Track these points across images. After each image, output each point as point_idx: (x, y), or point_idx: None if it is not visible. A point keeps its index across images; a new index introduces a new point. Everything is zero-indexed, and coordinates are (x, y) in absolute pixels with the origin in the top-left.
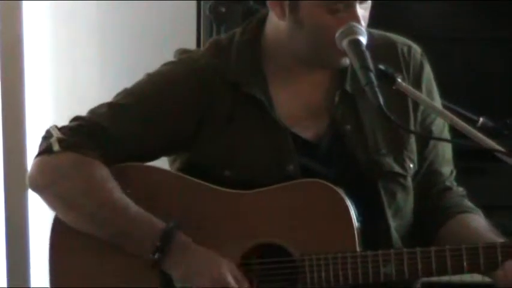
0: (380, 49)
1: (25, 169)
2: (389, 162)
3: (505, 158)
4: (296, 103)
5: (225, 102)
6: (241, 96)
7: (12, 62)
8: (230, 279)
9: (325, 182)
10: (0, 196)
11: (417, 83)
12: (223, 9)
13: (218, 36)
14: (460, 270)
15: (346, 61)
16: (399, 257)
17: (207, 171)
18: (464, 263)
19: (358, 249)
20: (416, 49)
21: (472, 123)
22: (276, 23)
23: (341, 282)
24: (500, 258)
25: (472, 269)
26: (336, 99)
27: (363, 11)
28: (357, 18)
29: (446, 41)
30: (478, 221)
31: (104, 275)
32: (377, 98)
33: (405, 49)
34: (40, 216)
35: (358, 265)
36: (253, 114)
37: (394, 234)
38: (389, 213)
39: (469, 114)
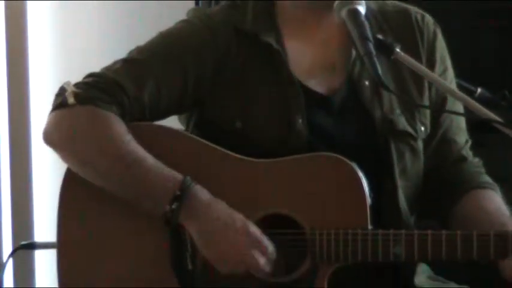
0: (394, 17)
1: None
2: (402, 122)
3: (503, 129)
4: (310, 57)
5: (239, 54)
6: (255, 47)
7: (17, 60)
8: (255, 230)
9: (341, 157)
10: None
11: (431, 50)
12: None
13: None
14: (469, 257)
15: None
16: (409, 238)
17: (220, 125)
18: (474, 250)
19: (369, 226)
20: (429, 18)
21: (470, 93)
22: None
23: (349, 259)
24: (510, 247)
25: (482, 257)
26: (354, 54)
27: None
28: None
29: None
30: (493, 200)
31: (112, 232)
32: (375, 68)
33: (419, 17)
34: (44, 174)
35: (368, 243)
36: (266, 65)
37: (400, 194)
38: (397, 171)
39: (466, 85)
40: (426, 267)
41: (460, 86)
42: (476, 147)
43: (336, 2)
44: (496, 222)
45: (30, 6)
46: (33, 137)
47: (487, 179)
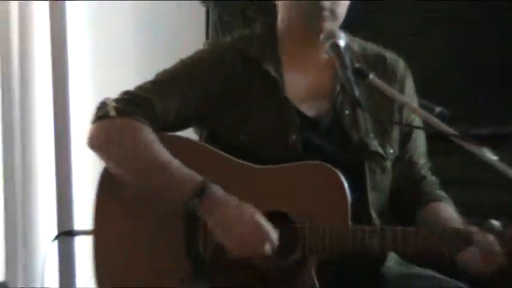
0: (373, 58)
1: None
2: (375, 144)
3: (458, 140)
4: (303, 86)
5: (244, 77)
6: (258, 72)
7: (59, 59)
8: (261, 219)
9: (329, 166)
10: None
11: (402, 87)
12: (227, 18)
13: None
14: (437, 249)
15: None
16: (383, 233)
17: (227, 137)
18: (440, 244)
19: (349, 223)
20: (402, 63)
21: (430, 111)
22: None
23: (334, 250)
24: (463, 243)
25: (447, 248)
26: (338, 88)
27: None
28: None
29: None
30: (446, 210)
31: (138, 225)
32: (353, 91)
33: (393, 62)
34: (83, 171)
35: (348, 236)
36: (266, 89)
37: (371, 203)
38: (369, 184)
39: (429, 104)
40: (394, 254)
41: (424, 106)
42: (436, 155)
43: (321, 37)
44: (450, 225)
45: (68, 7)
46: (73, 139)
47: (442, 193)
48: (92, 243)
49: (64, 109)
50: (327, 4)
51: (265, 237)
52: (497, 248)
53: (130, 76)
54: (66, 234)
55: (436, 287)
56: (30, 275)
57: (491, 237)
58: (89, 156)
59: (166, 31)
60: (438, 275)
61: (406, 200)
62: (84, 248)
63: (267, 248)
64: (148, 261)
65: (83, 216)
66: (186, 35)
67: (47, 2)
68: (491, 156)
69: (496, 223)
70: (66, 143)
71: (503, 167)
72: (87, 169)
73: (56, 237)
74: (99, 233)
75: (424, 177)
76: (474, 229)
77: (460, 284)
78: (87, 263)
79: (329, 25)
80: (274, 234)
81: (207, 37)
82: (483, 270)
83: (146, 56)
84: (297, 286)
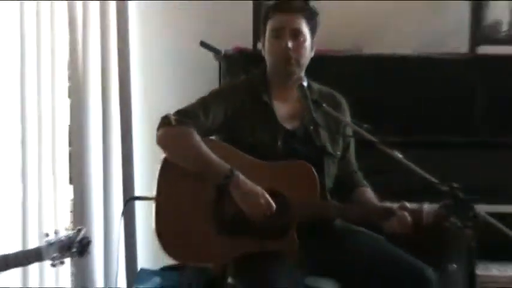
0: (326, 96)
1: (131, 141)
2: (330, 148)
3: (378, 145)
4: (285, 110)
5: (248, 103)
6: (258, 101)
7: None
8: (267, 196)
9: (307, 163)
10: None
11: (344, 114)
12: (232, 69)
13: (244, 75)
14: (371, 220)
15: (291, 71)
16: (339, 207)
17: (238, 140)
18: (370, 217)
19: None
20: (344, 99)
21: (360, 126)
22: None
23: (308, 216)
24: (389, 215)
25: (377, 217)
26: (305, 112)
27: (294, 40)
28: (285, 42)
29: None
30: (369, 193)
31: (186, 195)
32: (311, 115)
33: (338, 98)
34: (142, 156)
35: (319, 207)
36: (262, 111)
37: (327, 186)
38: (326, 173)
39: (359, 123)
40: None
41: (356, 123)
42: (362, 156)
43: (291, 81)
44: (371, 203)
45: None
46: (134, 133)
47: (365, 182)
48: (154, 206)
49: (127, 103)
50: (293, 55)
51: (269, 206)
52: (408, 219)
53: (171, 97)
54: (134, 199)
55: (366, 236)
56: (107, 231)
57: (405, 213)
58: (146, 144)
59: (192, 73)
60: (366, 230)
61: (343, 185)
62: (143, 210)
63: (269, 212)
64: (190, 220)
65: (143, 187)
66: (205, 79)
67: (114, 2)
68: (399, 155)
69: (407, 204)
70: (129, 134)
71: (407, 162)
72: (146, 153)
73: (127, 202)
74: (160, 199)
75: (355, 171)
76: (395, 206)
77: (380, 236)
78: (146, 221)
79: (296, 71)
80: (273, 204)
81: (219, 80)
82: (399, 232)
83: (179, 90)
84: (283, 239)
